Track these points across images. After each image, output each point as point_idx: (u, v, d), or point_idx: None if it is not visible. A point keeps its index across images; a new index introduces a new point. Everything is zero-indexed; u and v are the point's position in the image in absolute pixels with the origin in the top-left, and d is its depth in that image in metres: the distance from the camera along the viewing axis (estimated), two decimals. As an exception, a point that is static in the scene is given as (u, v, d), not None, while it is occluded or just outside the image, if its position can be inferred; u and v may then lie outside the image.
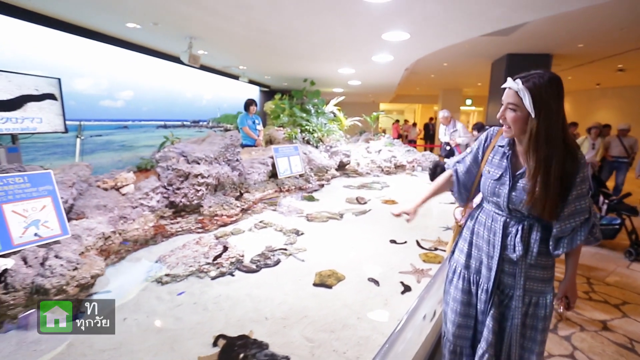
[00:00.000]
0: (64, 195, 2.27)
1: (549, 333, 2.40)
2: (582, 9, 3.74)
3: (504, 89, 1.28)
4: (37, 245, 1.89)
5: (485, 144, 1.45)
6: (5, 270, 1.69)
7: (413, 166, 6.52)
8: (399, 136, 15.33)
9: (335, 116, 7.63)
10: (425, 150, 11.51)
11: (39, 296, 1.69)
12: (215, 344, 1.53)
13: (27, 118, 3.78)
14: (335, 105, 7.83)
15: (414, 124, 17.02)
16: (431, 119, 16.45)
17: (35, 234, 1.91)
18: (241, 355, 1.43)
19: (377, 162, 6.44)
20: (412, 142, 14.75)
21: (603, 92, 12.59)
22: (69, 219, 2.23)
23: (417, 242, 2.82)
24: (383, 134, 8.04)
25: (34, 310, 1.73)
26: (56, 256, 1.83)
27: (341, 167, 6.08)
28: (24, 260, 1.80)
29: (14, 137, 3.81)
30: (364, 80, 9.68)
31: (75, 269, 1.83)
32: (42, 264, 1.81)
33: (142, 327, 1.68)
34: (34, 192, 1.96)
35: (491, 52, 7.39)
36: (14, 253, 1.80)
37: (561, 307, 1.37)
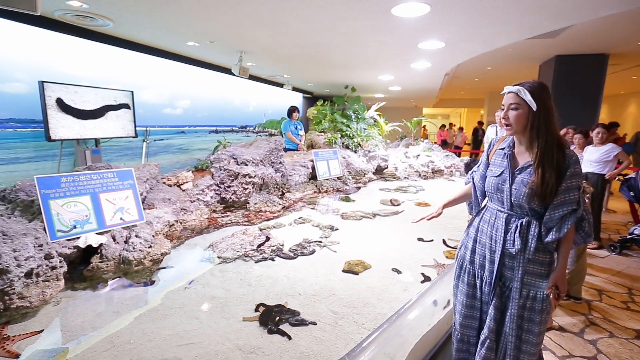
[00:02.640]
0: (140, 188, 2.78)
1: (574, 336, 2.48)
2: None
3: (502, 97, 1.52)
4: (122, 227, 2.38)
5: (489, 150, 1.65)
6: (101, 244, 2.17)
7: (451, 171, 6.53)
8: (444, 143, 14.07)
9: (375, 122, 7.85)
10: (471, 156, 10.90)
11: (124, 266, 2.16)
12: (256, 310, 1.87)
13: (107, 125, 4.50)
14: (376, 110, 8.04)
15: (461, 129, 15.52)
16: (480, 123, 15.27)
17: (121, 218, 2.40)
18: (277, 318, 1.75)
19: (415, 167, 6.55)
20: (457, 148, 13.77)
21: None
22: (143, 208, 2.73)
23: (444, 241, 2.99)
24: (423, 139, 8.07)
25: (118, 277, 2.20)
26: (136, 236, 2.30)
27: (379, 171, 6.28)
28: (113, 237, 2.28)
29: (96, 141, 4.54)
30: (403, 85, 9.78)
31: (150, 247, 2.29)
32: (126, 242, 2.28)
33: (200, 295, 2.07)
34: (120, 185, 2.47)
35: (538, 54, 7.17)
36: (106, 232, 2.30)
37: (550, 295, 1.45)
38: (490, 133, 6.03)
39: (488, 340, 1.51)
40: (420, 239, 3.03)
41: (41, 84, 3.82)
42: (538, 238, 1.44)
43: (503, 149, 1.57)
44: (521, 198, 1.43)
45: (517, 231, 1.44)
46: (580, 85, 7.03)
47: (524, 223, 1.45)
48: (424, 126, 17.10)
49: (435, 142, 8.35)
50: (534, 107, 1.40)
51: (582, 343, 2.51)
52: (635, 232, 4.22)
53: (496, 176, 1.52)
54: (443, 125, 15.56)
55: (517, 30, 4.17)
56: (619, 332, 2.68)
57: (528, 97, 1.39)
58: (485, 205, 1.66)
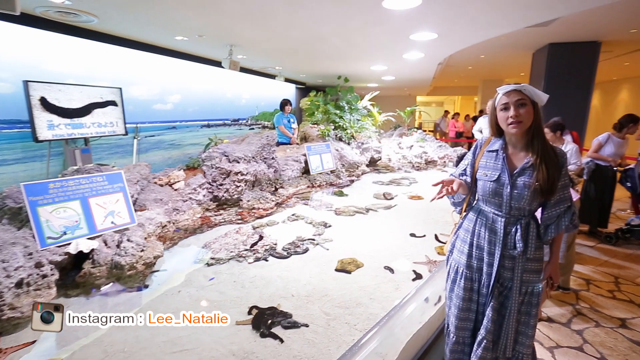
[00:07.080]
0: (131, 190, 2.75)
1: (562, 326, 2.54)
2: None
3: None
4: (113, 231, 2.36)
5: (476, 153, 1.63)
6: (92, 250, 2.17)
7: (444, 162, 6.55)
8: (459, 136, 12.44)
9: (369, 112, 7.80)
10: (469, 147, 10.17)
11: (116, 271, 2.15)
12: (249, 313, 1.89)
13: (95, 123, 4.43)
14: (369, 100, 7.98)
15: (467, 117, 13.64)
16: (481, 111, 14.20)
17: (112, 222, 2.38)
18: (269, 321, 1.78)
19: (408, 158, 6.56)
20: (469, 138, 12.94)
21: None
22: (134, 210, 2.71)
23: (436, 236, 3.02)
24: (416, 129, 8.05)
25: (112, 282, 2.20)
26: (128, 240, 2.29)
27: (372, 163, 6.28)
28: (105, 242, 2.27)
29: (86, 140, 4.47)
30: (397, 75, 9.71)
31: (142, 250, 2.28)
32: (117, 246, 2.27)
33: (193, 298, 2.09)
34: (110, 188, 2.44)
35: (531, 43, 7.14)
36: (97, 237, 2.29)
37: (543, 286, 1.52)
38: (482, 123, 5.98)
39: (485, 341, 1.53)
40: (412, 235, 3.05)
41: (25, 83, 3.73)
42: (536, 237, 1.47)
43: (494, 151, 1.54)
44: (523, 201, 1.43)
45: (518, 234, 1.45)
46: (572, 72, 7.05)
47: (523, 225, 1.46)
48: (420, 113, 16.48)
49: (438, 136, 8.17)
50: (542, 102, 1.40)
51: (569, 333, 2.58)
52: (633, 222, 4.26)
53: (492, 181, 1.49)
54: (457, 114, 12.94)
55: (509, 21, 4.15)
56: (604, 321, 2.75)
57: (537, 93, 1.39)
58: (474, 208, 1.65)
